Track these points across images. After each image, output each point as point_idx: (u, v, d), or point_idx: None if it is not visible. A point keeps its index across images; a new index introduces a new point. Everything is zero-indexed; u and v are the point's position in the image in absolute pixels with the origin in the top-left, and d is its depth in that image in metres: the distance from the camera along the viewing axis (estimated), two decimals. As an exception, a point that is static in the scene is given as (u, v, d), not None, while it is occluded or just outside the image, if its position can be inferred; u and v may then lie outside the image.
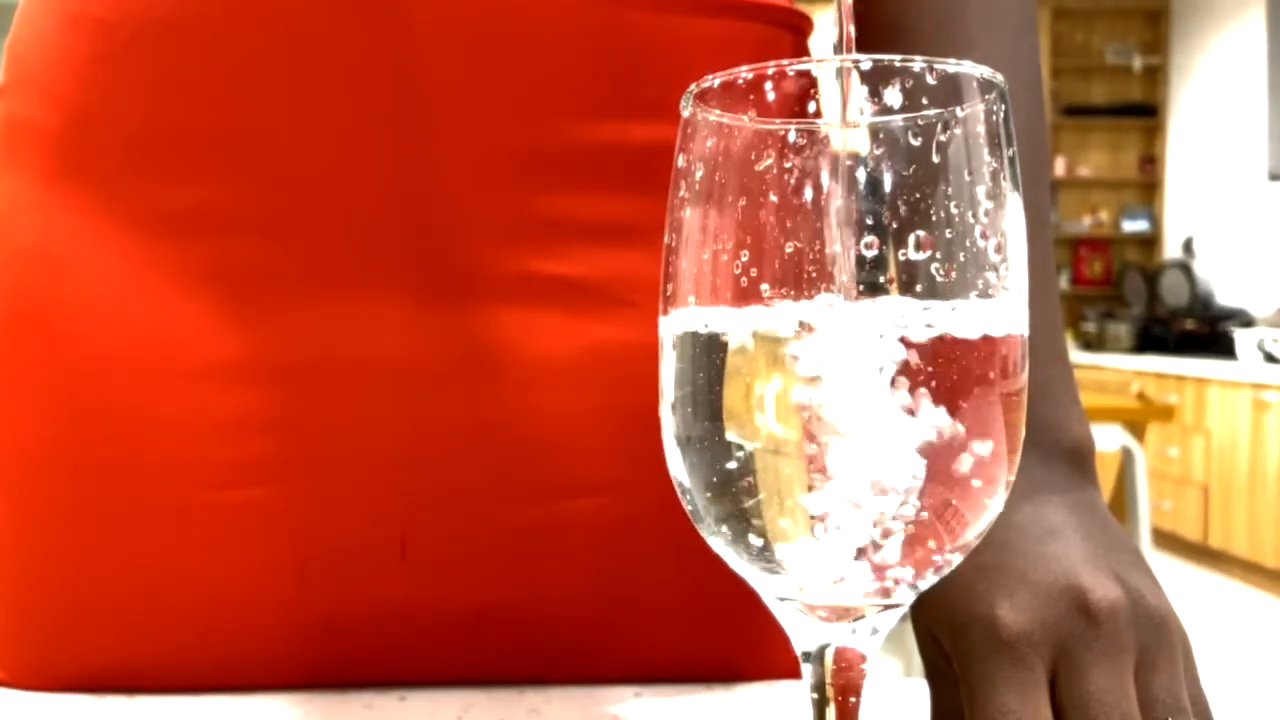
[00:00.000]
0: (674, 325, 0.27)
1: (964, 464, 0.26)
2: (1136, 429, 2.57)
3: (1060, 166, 5.51)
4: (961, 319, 0.26)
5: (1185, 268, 5.04)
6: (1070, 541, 0.36)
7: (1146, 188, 5.58)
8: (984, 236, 0.26)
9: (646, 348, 0.42)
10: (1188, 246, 5.23)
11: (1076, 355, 5.01)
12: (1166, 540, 4.25)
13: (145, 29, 0.41)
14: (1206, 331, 4.70)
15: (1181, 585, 3.84)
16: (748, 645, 0.46)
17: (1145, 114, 5.49)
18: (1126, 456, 2.48)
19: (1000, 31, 0.42)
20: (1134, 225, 5.54)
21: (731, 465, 0.26)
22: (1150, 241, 5.56)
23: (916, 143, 0.26)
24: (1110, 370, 4.74)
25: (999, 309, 0.26)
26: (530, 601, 0.44)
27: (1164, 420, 2.96)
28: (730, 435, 0.26)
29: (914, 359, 0.25)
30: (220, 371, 0.41)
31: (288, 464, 0.41)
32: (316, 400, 0.42)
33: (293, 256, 0.41)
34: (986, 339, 0.26)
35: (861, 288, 0.26)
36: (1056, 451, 0.39)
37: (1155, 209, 5.55)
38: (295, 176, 0.41)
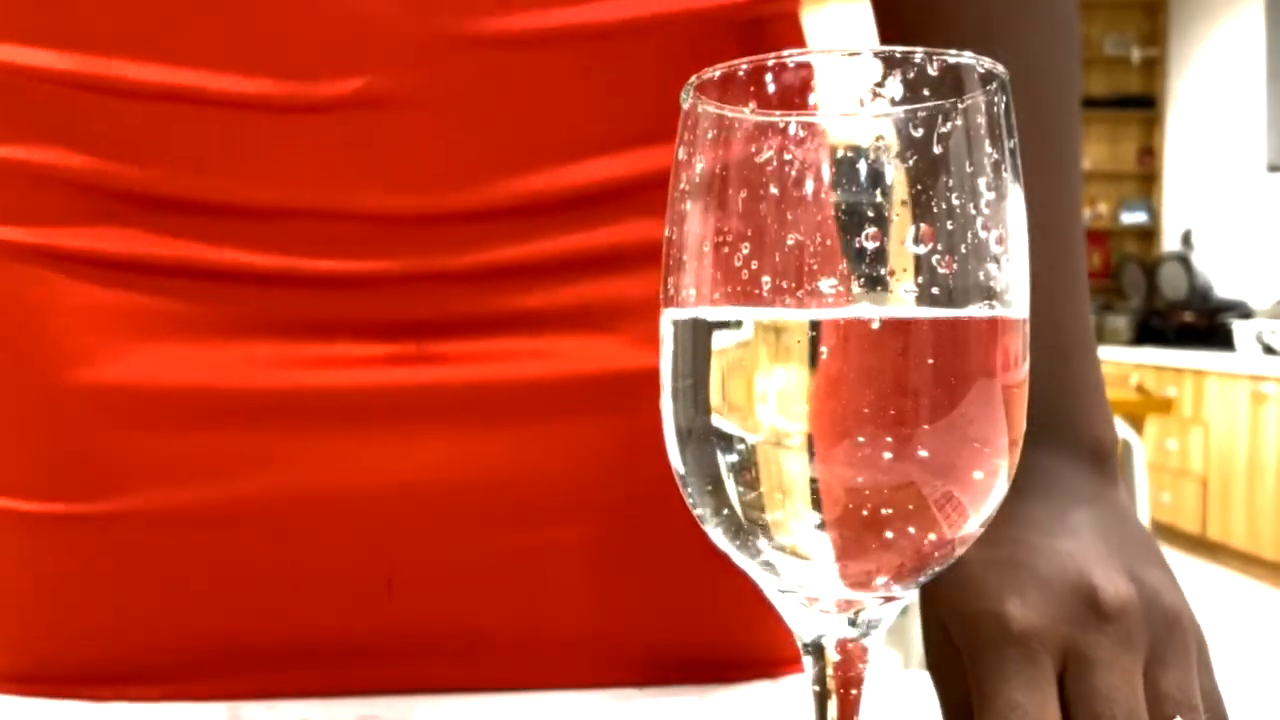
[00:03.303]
0: (674, 318, 0.27)
1: (965, 456, 0.26)
2: (1135, 421, 2.57)
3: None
4: (963, 311, 0.26)
5: (1184, 260, 5.04)
6: (1085, 539, 0.36)
7: (1145, 180, 5.58)
8: (985, 228, 0.26)
9: (631, 373, 0.42)
10: (1186, 239, 5.23)
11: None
12: (1165, 532, 4.26)
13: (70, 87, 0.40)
14: (1205, 324, 4.71)
15: (1180, 577, 3.85)
16: (748, 648, 0.46)
17: (1144, 106, 5.49)
18: (1125, 449, 2.49)
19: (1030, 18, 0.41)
20: (1132, 217, 5.54)
21: (731, 458, 0.26)
22: (1149, 234, 5.57)
23: (917, 134, 0.25)
24: (1109, 363, 4.74)
25: (1000, 301, 0.26)
26: (522, 624, 0.44)
27: (1162, 413, 2.97)
28: (730, 428, 0.26)
29: (915, 351, 0.25)
30: (200, 410, 0.41)
31: (270, 502, 0.41)
32: (297, 439, 0.41)
33: (273, 297, 0.41)
34: (988, 330, 0.26)
35: (862, 279, 0.26)
36: (1079, 451, 0.39)
37: (1154, 201, 5.55)
38: (278, 224, 0.41)
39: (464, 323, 0.42)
